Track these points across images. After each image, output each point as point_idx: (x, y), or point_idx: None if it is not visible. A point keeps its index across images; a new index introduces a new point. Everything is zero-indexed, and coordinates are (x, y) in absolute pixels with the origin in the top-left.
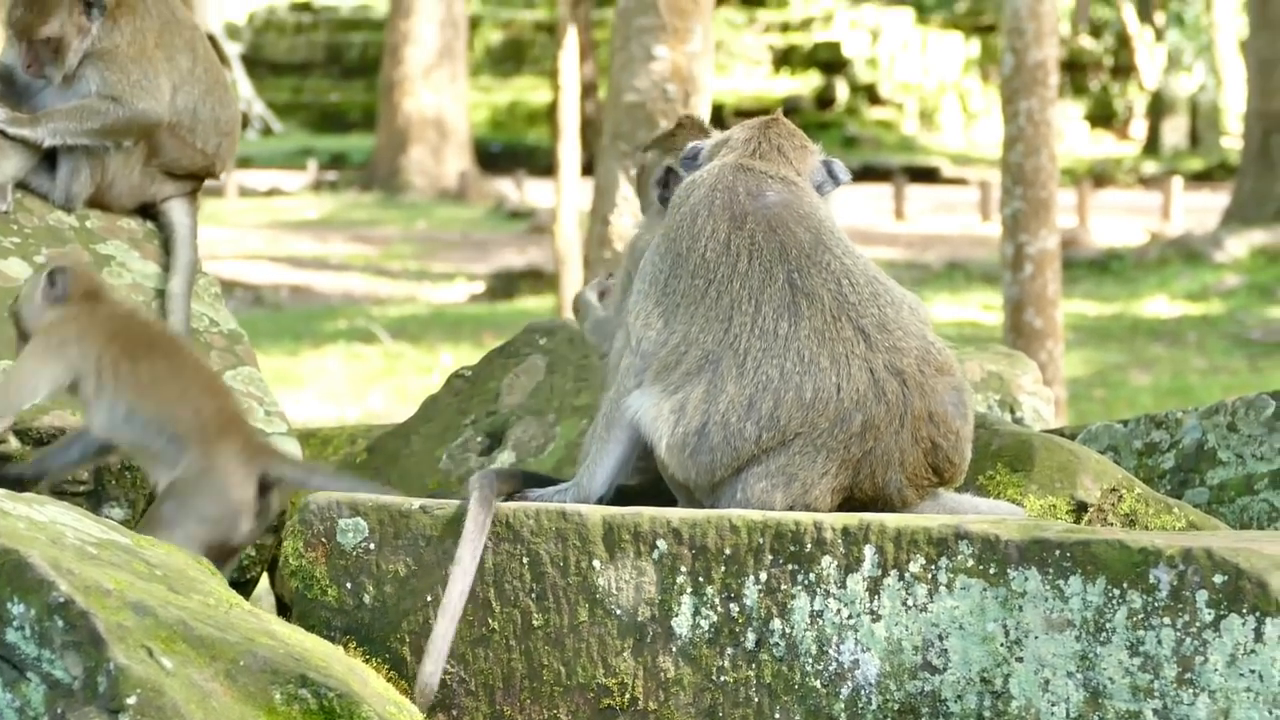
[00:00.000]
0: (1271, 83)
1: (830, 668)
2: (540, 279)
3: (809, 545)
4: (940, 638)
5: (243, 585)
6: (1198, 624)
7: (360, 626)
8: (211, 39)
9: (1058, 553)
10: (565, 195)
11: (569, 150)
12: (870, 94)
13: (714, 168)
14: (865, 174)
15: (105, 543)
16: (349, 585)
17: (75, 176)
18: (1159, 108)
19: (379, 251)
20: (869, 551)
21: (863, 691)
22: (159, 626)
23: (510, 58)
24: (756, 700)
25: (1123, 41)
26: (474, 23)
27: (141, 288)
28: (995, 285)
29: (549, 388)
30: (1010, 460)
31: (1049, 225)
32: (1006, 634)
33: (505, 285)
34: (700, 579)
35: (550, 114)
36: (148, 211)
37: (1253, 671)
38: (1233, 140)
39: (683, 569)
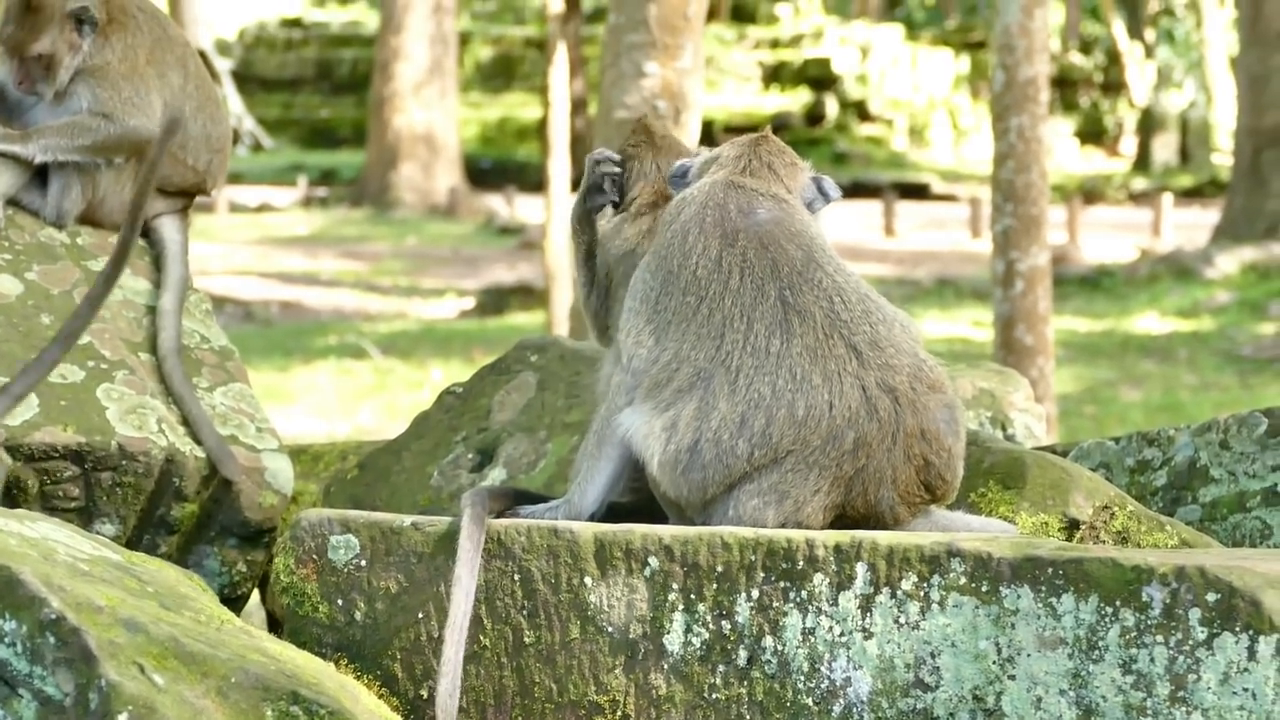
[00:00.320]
0: (1262, 99)
1: (822, 685)
2: (530, 295)
3: (801, 562)
4: (932, 655)
5: (234, 602)
6: (1191, 642)
7: (351, 643)
8: (202, 55)
9: (1050, 570)
10: (555, 211)
11: (559, 166)
12: (860, 110)
13: (704, 185)
14: (855, 190)
15: (97, 559)
16: (340, 602)
17: (66, 193)
18: (1149, 124)
19: (369, 267)
20: (861, 569)
21: (855, 709)
22: (150, 643)
23: (500, 74)
24: (748, 718)
25: (1113, 58)
26: (464, 39)
27: (132, 304)
28: (986, 302)
29: (540, 404)
30: (1002, 477)
31: (1040, 242)
32: (999, 652)
33: (495, 301)
34: (692, 596)
35: (540, 130)
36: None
37: (1246, 690)
38: (1223, 157)
39: (674, 586)
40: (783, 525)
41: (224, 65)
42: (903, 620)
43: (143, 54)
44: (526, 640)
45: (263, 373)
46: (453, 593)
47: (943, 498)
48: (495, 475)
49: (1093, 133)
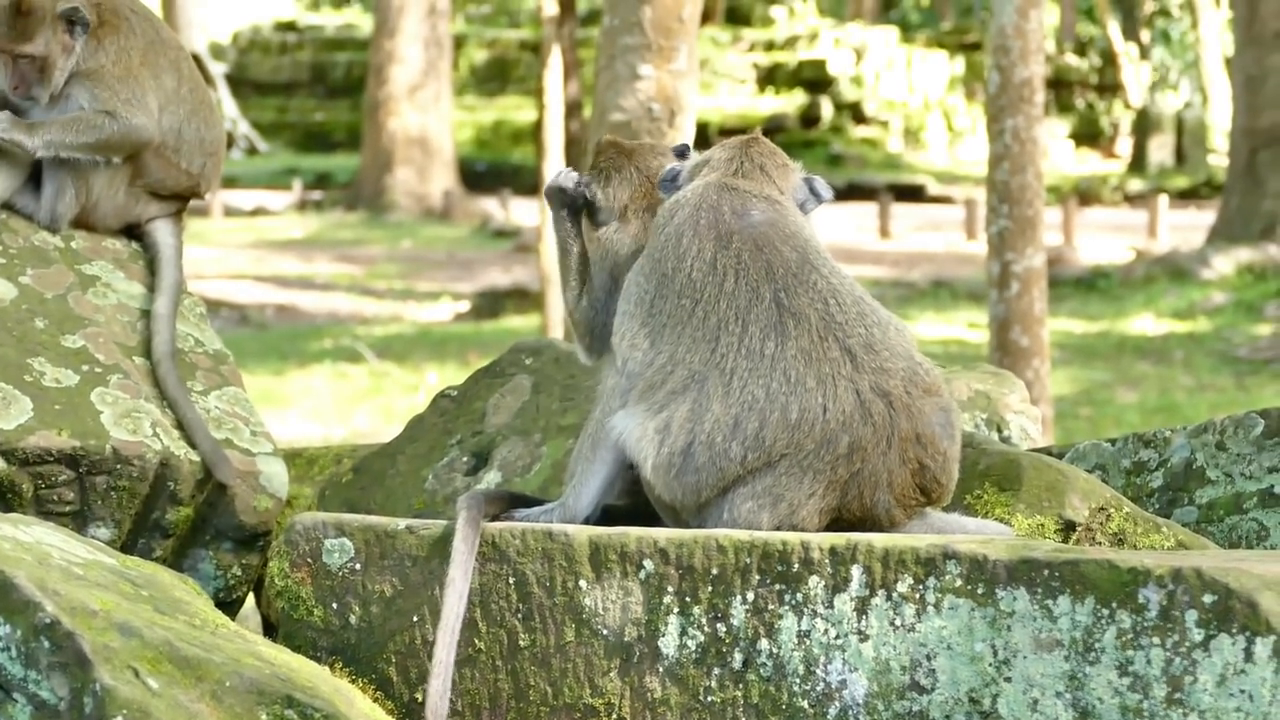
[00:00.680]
0: (1258, 100)
1: (818, 688)
2: (525, 298)
3: (796, 565)
4: (928, 657)
5: (229, 605)
6: (1187, 644)
7: (346, 647)
8: (196, 59)
9: (1046, 572)
10: (550, 214)
11: (554, 169)
12: (855, 112)
13: (697, 187)
14: (850, 192)
15: (91, 563)
16: (335, 605)
17: (60, 197)
18: (1145, 125)
19: (364, 271)
20: (856, 571)
21: (850, 712)
22: (145, 647)
23: (495, 77)
24: None
25: (1108, 59)
26: (458, 42)
27: (127, 308)
28: (981, 303)
29: (535, 407)
30: (998, 479)
31: (1035, 243)
32: (995, 654)
33: (490, 304)
34: (687, 599)
35: (535, 133)
36: (133, 232)
37: (1243, 691)
38: (1219, 157)
39: (669, 589)
40: (778, 528)
41: (218, 69)
42: (898, 622)
43: (136, 56)
44: (521, 643)
45: (258, 376)
46: (445, 595)
47: (938, 500)
48: (490, 478)
49: (1088, 134)
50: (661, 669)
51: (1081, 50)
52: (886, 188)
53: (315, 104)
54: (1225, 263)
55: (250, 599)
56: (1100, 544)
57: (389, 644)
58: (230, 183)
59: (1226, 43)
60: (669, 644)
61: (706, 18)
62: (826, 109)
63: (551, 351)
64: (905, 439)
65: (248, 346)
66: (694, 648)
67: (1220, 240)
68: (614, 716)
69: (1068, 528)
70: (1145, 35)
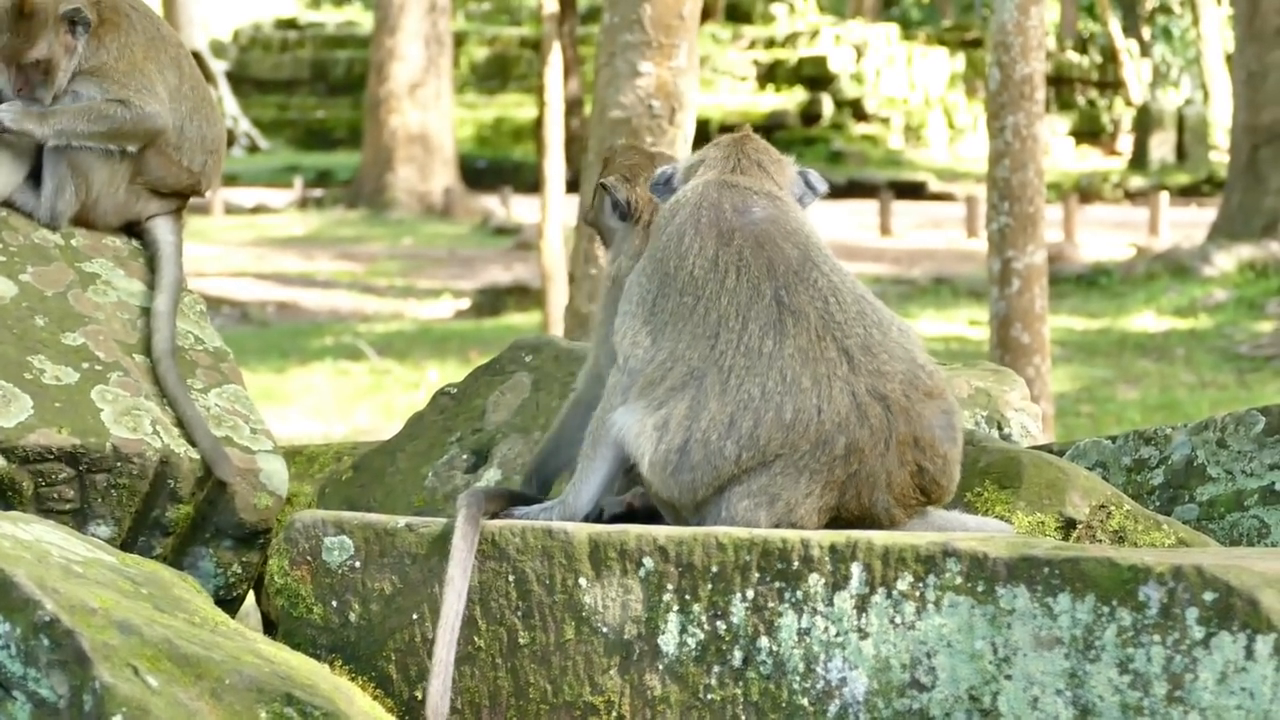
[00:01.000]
0: (1259, 96)
1: (818, 686)
2: (526, 295)
3: (796, 563)
4: (928, 655)
5: (229, 603)
6: (1188, 641)
7: (346, 645)
8: (197, 56)
9: (1046, 570)
10: (551, 211)
11: (554, 166)
12: (856, 109)
13: (696, 185)
14: (851, 189)
15: (91, 561)
16: (334, 603)
17: (60, 194)
18: (1146, 122)
19: (365, 268)
20: (856, 569)
21: (850, 709)
22: (144, 645)
23: (495, 74)
24: (743, 718)
25: (1109, 56)
26: (459, 39)
27: (127, 306)
28: (982, 301)
29: (535, 405)
30: (998, 477)
31: (1036, 240)
32: (995, 652)
33: (491, 302)
34: (687, 597)
35: (536, 130)
36: (133, 229)
37: (1243, 689)
38: (1220, 154)
39: (669, 587)
40: (776, 526)
41: (219, 66)
42: (898, 620)
43: (139, 52)
44: (521, 641)
45: (259, 374)
46: (445, 593)
47: (938, 500)
48: (490, 476)
49: (1089, 131)
50: (661, 667)
51: (1082, 47)
52: (887, 185)
53: (316, 101)
54: (1226, 260)
55: (251, 597)
56: (1101, 542)
57: (389, 642)
58: (231, 180)
59: (1227, 39)
60: (669, 642)
61: (707, 15)
62: (827, 106)
63: (552, 349)
64: (903, 442)
65: (248, 344)
66: (694, 645)
67: (1221, 237)
68: (614, 714)
69: (1068, 525)
70: (1146, 32)
